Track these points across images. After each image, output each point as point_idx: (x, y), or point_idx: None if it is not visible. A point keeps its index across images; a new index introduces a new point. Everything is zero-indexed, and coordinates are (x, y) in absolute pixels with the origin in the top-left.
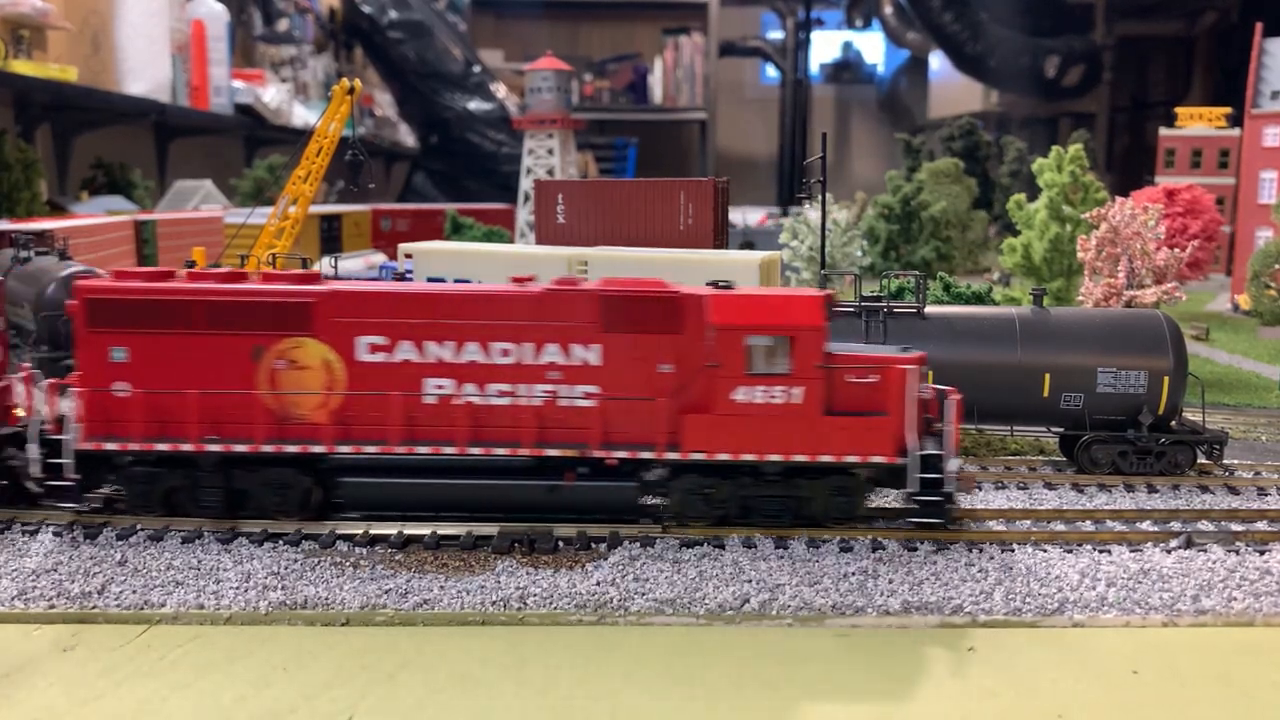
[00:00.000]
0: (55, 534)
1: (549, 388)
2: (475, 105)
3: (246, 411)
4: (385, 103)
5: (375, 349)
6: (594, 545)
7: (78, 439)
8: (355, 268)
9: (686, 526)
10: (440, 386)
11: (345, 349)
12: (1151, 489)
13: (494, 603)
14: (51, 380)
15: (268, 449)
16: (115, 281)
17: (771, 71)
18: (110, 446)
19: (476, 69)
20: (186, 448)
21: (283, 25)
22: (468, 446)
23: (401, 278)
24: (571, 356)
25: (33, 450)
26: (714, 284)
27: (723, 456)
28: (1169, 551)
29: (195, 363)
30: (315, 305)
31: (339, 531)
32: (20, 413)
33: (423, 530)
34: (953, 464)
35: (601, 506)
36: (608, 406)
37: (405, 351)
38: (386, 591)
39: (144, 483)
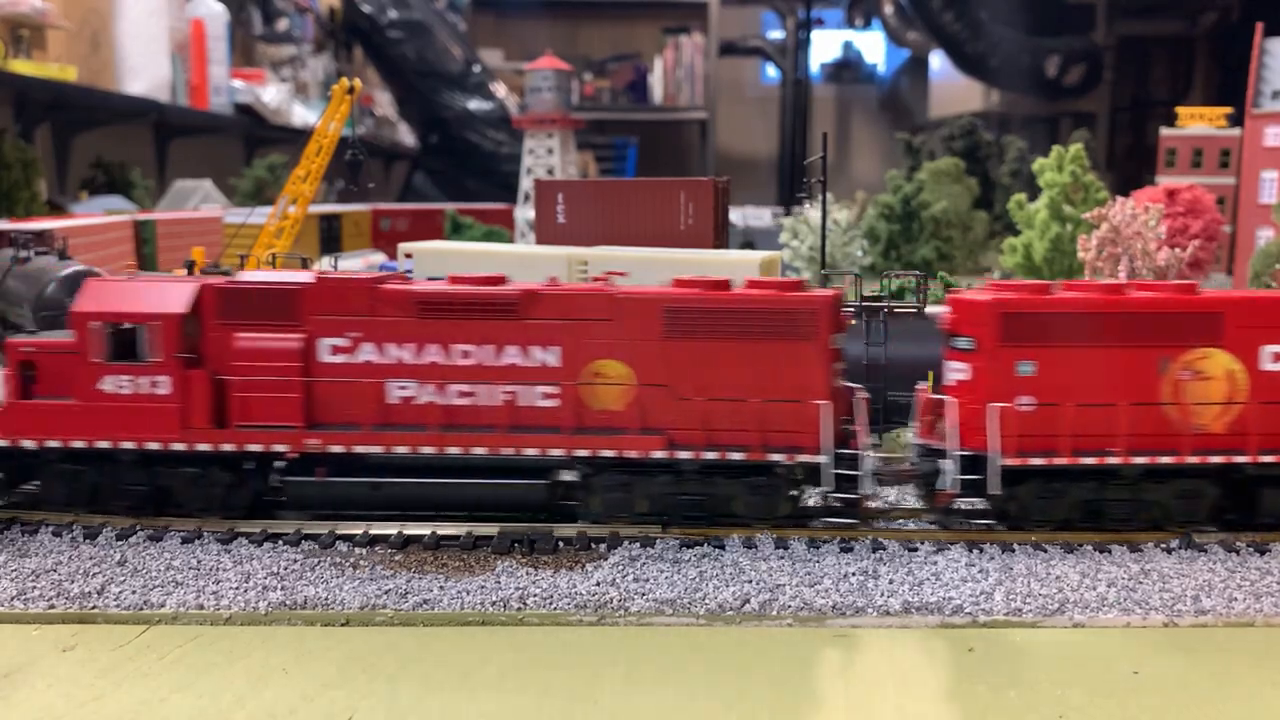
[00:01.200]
0: (54, 534)
1: None
2: (475, 105)
3: (1152, 424)
4: (385, 102)
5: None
6: (594, 545)
7: (1001, 456)
8: (354, 267)
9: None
10: None
11: (1249, 358)
12: None
13: (494, 603)
14: (929, 394)
15: (1192, 459)
16: (1019, 295)
17: (771, 71)
18: (1036, 461)
19: (476, 68)
20: (1113, 461)
21: (282, 25)
22: None
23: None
24: None
25: (950, 466)
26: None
27: None
28: (1169, 551)
29: (1100, 375)
30: (1226, 315)
31: (339, 531)
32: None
33: (422, 530)
34: None
35: None
36: None
37: None
38: (386, 591)
39: (1047, 497)
